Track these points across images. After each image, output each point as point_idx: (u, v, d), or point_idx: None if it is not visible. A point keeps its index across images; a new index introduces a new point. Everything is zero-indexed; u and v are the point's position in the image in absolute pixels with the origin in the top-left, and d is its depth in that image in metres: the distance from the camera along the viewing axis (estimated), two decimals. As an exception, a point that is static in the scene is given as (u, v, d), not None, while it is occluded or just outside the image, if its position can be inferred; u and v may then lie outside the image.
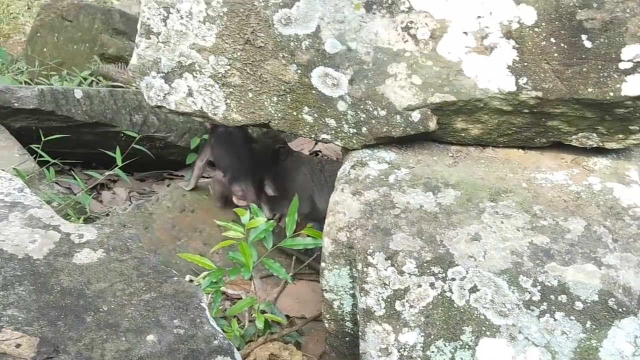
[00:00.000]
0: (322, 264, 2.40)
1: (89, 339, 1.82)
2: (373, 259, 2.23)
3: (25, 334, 1.79)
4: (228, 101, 2.69)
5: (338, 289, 2.40)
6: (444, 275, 2.18)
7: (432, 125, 2.56)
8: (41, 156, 3.92)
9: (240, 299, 3.27)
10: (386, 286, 2.23)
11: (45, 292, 1.95)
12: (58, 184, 4.23)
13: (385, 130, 2.59)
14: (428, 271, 2.19)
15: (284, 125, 2.68)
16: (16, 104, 4.22)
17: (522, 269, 2.18)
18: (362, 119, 2.60)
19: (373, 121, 2.58)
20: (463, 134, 2.64)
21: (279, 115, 2.67)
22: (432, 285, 2.20)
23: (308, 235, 2.82)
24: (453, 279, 2.18)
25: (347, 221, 2.38)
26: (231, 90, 2.65)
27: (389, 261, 2.22)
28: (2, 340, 1.75)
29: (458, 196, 2.45)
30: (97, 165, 4.92)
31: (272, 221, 2.83)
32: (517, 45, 2.39)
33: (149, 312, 1.95)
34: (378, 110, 2.56)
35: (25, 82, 6.29)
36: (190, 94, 2.72)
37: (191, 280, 3.27)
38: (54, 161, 3.90)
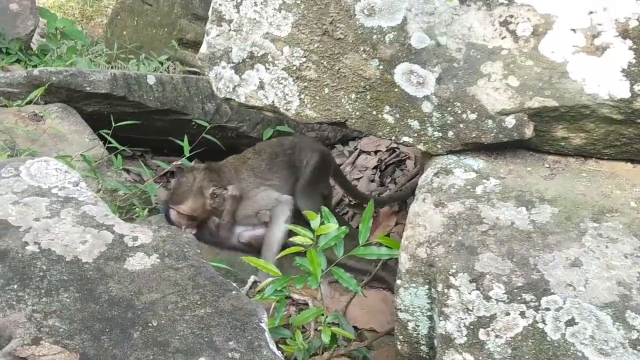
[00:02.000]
0: (398, 281, 2.18)
1: (134, 359, 1.64)
2: (456, 280, 2.03)
3: (65, 348, 1.62)
4: (302, 96, 2.48)
5: (414, 310, 2.18)
6: (537, 304, 1.96)
7: (529, 132, 2.29)
8: (111, 142, 3.80)
9: (306, 304, 3.06)
10: (469, 312, 2.00)
11: (91, 301, 1.78)
12: (127, 172, 4.11)
13: (474, 135, 2.33)
14: (518, 298, 1.98)
15: (362, 125, 2.45)
16: (88, 88, 4.14)
17: (630, 304, 1.91)
18: (449, 122, 2.34)
19: (461, 125, 2.33)
20: (563, 143, 2.35)
21: (357, 113, 2.44)
22: (522, 314, 1.97)
23: (382, 244, 2.58)
24: (547, 309, 1.96)
25: (428, 236, 2.14)
26: (306, 84, 2.44)
27: (474, 284, 2.02)
28: (39, 355, 1.58)
29: (555, 213, 2.17)
30: (168, 152, 4.81)
31: (344, 227, 2.60)
32: (634, 46, 2.09)
33: (202, 330, 1.76)
34: (467, 113, 2.30)
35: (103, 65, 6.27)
36: (261, 87, 2.52)
37: (255, 282, 3.08)
38: (122, 148, 3.78)
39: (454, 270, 2.04)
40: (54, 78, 4.09)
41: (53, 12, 6.68)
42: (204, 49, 2.56)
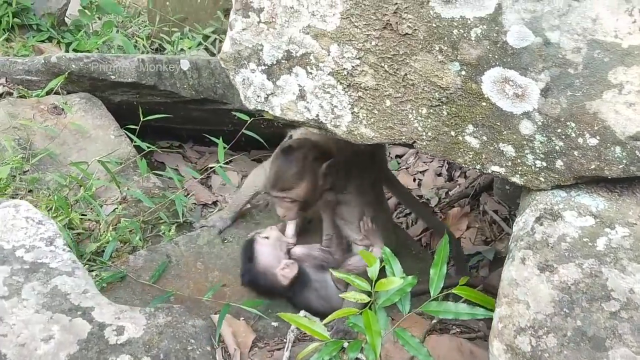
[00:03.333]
0: None
1: None
2: None
3: None
4: (356, 109, 1.87)
5: None
6: None
7: (674, 164, 1.62)
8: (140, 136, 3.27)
9: None
10: None
11: None
12: (158, 175, 3.57)
13: (593, 167, 1.69)
14: None
15: (436, 149, 1.84)
16: (113, 77, 3.63)
17: None
18: (557, 148, 1.71)
19: (575, 153, 1.69)
20: None
21: (430, 134, 1.82)
22: None
23: (463, 299, 1.98)
24: None
25: (532, 318, 1.54)
26: (360, 94, 1.83)
27: None
28: None
29: None
30: (210, 140, 4.26)
31: (411, 277, 1.99)
32: None
33: None
34: (586, 137, 1.67)
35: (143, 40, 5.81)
36: (302, 97, 1.92)
37: (303, 336, 2.51)
38: (149, 148, 3.24)
39: None
40: (73, 66, 3.59)
41: (88, -17, 6.17)
42: (226, 46, 1.98)
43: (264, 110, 2.00)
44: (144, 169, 3.22)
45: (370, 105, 1.86)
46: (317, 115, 1.93)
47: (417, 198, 3.93)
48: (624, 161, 1.68)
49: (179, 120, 3.96)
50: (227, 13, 5.99)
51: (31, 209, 1.68)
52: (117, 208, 3.04)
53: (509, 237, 2.94)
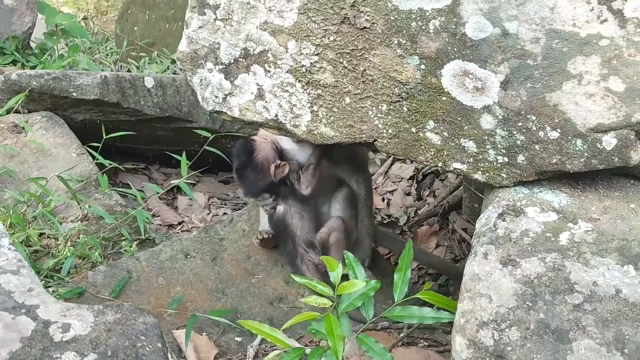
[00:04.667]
0: None
1: None
2: None
3: None
4: (315, 108, 1.84)
5: None
6: None
7: (635, 157, 1.63)
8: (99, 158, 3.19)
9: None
10: None
11: None
12: (120, 193, 3.49)
13: (555, 161, 1.67)
14: None
15: (397, 147, 1.81)
16: (75, 94, 3.55)
17: None
18: (518, 142, 1.68)
19: (536, 147, 1.67)
20: None
21: (390, 131, 1.79)
22: None
23: (426, 302, 1.94)
24: None
25: (494, 312, 1.49)
26: (320, 92, 1.80)
27: None
28: None
29: None
30: (177, 162, 4.21)
31: (374, 282, 1.95)
32: None
33: None
34: (547, 130, 1.65)
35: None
36: (260, 96, 1.88)
37: (264, 346, 2.45)
38: (110, 165, 3.15)
39: None
40: (34, 82, 3.50)
41: (53, 7, 6.11)
42: (183, 45, 1.94)
43: (222, 112, 1.95)
44: (105, 184, 3.14)
45: (329, 103, 1.83)
46: (276, 115, 1.89)
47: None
48: (585, 154, 1.66)
49: (143, 140, 3.89)
50: (195, 37, 5.98)
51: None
52: (77, 225, 2.96)
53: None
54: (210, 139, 3.42)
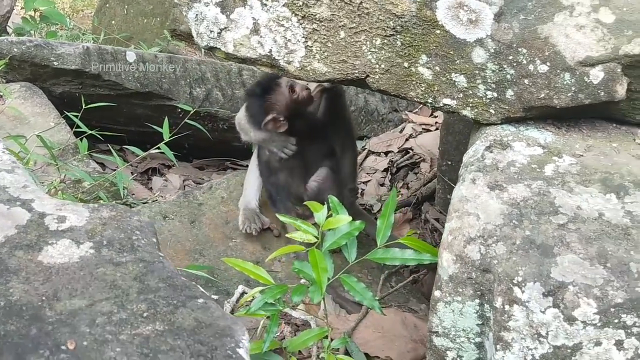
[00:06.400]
0: (436, 293, 1.57)
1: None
2: (523, 292, 1.47)
3: None
4: (309, 43, 1.87)
5: (457, 334, 1.62)
6: None
7: (621, 91, 1.68)
8: (79, 126, 3.16)
9: (307, 325, 2.41)
10: (542, 338, 1.44)
11: (-24, 308, 1.14)
12: (97, 162, 3.48)
13: (543, 95, 1.71)
14: (616, 321, 1.42)
15: (388, 82, 1.84)
16: (56, 63, 3.55)
17: None
18: (508, 76, 1.73)
19: (526, 81, 1.71)
20: None
21: (383, 66, 1.82)
22: (619, 344, 1.41)
23: (408, 246, 1.96)
24: None
25: (481, 228, 1.52)
26: (315, 26, 1.83)
27: (550, 298, 1.45)
28: None
29: None
30: (152, 146, 4.20)
31: (359, 222, 1.97)
32: None
33: (146, 357, 1.11)
34: (537, 63, 1.70)
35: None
36: (256, 31, 1.90)
37: (244, 293, 2.45)
38: (90, 132, 3.13)
39: (520, 278, 1.48)
40: (15, 49, 3.50)
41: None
42: (180, -21, 1.94)
43: (216, 48, 1.96)
44: (84, 148, 3.13)
45: (324, 38, 1.86)
46: (270, 51, 1.91)
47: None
48: (573, 88, 1.71)
49: (121, 120, 3.89)
50: (174, 33, 5.97)
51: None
52: (55, 182, 2.94)
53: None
54: (191, 112, 3.44)
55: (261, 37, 1.91)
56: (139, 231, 1.40)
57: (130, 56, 3.72)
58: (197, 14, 1.95)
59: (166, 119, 3.15)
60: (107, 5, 6.70)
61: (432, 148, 4.16)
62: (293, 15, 1.86)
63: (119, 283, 1.26)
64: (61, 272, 1.26)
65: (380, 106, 4.70)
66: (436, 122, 4.41)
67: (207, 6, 1.93)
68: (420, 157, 4.38)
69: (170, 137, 3.13)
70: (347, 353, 2.25)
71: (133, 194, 3.61)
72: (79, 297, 1.21)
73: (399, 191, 4.37)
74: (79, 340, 1.13)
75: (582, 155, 1.72)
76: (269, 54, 1.92)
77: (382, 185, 4.46)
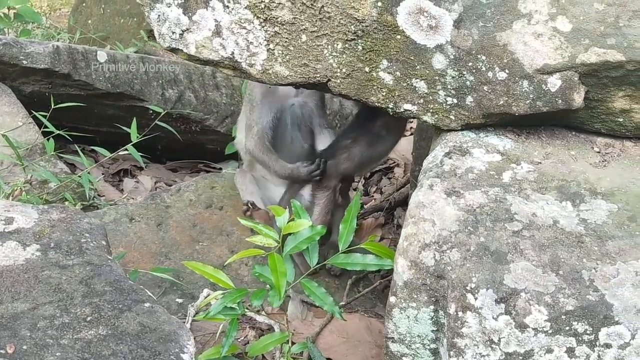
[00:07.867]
0: (391, 299, 1.57)
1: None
2: (476, 298, 1.49)
3: None
4: (271, 46, 1.86)
5: (412, 340, 1.64)
6: (592, 337, 1.44)
7: (578, 99, 1.68)
8: (47, 126, 3.13)
9: (270, 329, 2.40)
10: (494, 345, 1.46)
11: None
12: (68, 162, 3.45)
13: (502, 102, 1.72)
14: (567, 328, 1.44)
15: (349, 87, 1.84)
16: (25, 62, 3.50)
17: None
18: (468, 83, 1.73)
19: (485, 88, 1.72)
20: (620, 119, 1.78)
21: (344, 70, 1.82)
22: (570, 351, 1.43)
23: (370, 251, 1.96)
24: (608, 346, 1.44)
25: (437, 235, 1.52)
26: (277, 29, 1.82)
27: (502, 305, 1.47)
28: None
29: (614, 212, 1.60)
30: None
31: (320, 227, 1.96)
32: None
33: (86, 362, 1.09)
34: (495, 70, 1.70)
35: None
36: (218, 33, 1.89)
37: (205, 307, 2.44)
38: (57, 132, 3.10)
39: (473, 285, 1.50)
40: (-17, 47, 3.43)
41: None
42: (143, -21, 1.93)
43: (178, 49, 1.95)
44: (51, 148, 3.09)
45: (286, 41, 1.85)
46: (232, 54, 1.90)
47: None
48: (531, 96, 1.71)
49: (93, 121, 3.85)
50: (150, 34, 5.94)
51: None
52: (19, 183, 2.91)
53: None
54: (163, 114, 3.41)
55: (223, 39, 1.90)
56: (88, 234, 1.38)
57: (102, 56, 3.68)
58: (159, 15, 1.94)
59: (134, 120, 3.12)
60: (84, 4, 6.64)
61: (406, 153, 4.16)
62: (255, 17, 1.85)
63: (64, 286, 1.25)
64: (5, 275, 1.25)
65: (355, 110, 4.69)
66: (411, 128, 4.41)
67: (169, 7, 1.92)
68: (394, 162, 4.39)
69: (140, 139, 3.10)
70: (310, 358, 2.24)
71: (102, 196, 3.58)
72: (22, 301, 1.20)
73: (372, 196, 4.39)
74: (19, 344, 1.11)
75: (540, 163, 1.73)
76: (231, 56, 1.91)
77: (355, 189, 4.47)
